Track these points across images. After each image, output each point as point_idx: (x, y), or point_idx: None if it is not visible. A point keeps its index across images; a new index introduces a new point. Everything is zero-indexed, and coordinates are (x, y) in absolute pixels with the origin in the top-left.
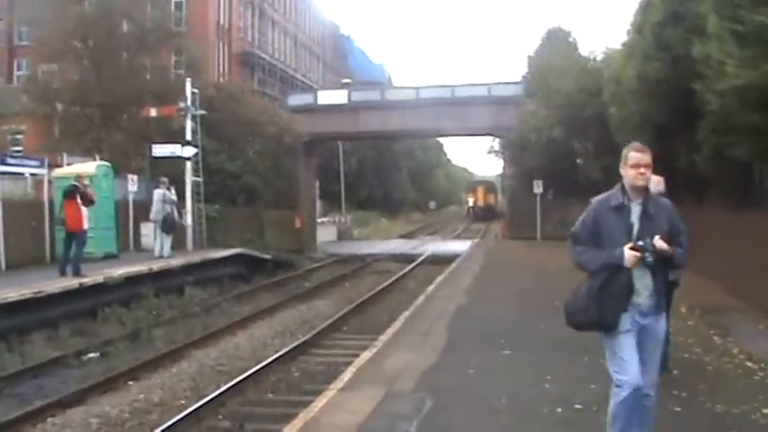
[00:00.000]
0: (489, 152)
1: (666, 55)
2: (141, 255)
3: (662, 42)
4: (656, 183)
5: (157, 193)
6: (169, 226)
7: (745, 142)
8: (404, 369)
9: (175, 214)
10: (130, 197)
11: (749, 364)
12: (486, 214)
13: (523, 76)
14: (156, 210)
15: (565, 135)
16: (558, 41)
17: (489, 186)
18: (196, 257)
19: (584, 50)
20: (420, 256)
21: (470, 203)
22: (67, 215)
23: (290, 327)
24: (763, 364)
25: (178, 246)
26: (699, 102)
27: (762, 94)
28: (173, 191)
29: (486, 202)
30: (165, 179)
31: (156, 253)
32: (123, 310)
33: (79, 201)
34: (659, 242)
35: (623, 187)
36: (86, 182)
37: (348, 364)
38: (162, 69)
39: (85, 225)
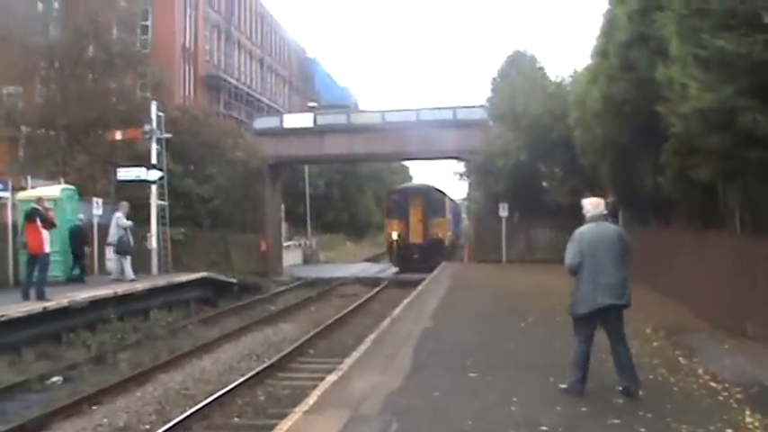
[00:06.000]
0: (455, 175)
1: (632, 76)
2: (105, 278)
3: (627, 63)
4: (596, 204)
5: (115, 217)
6: (123, 248)
7: (709, 164)
8: (370, 392)
9: (129, 237)
10: (95, 221)
11: (714, 384)
12: (425, 257)
13: (488, 99)
14: (111, 233)
15: (531, 158)
16: (521, 64)
17: (432, 202)
18: (161, 281)
19: (549, 73)
20: (386, 279)
21: (394, 237)
22: (29, 238)
23: (257, 350)
24: (727, 384)
25: (143, 269)
26: (662, 124)
27: (723, 116)
28: (121, 215)
29: (426, 232)
30: (125, 203)
31: (113, 275)
32: (88, 333)
33: (40, 224)
34: None
35: None
36: (48, 205)
37: (314, 387)
38: (127, 92)
39: (47, 248)
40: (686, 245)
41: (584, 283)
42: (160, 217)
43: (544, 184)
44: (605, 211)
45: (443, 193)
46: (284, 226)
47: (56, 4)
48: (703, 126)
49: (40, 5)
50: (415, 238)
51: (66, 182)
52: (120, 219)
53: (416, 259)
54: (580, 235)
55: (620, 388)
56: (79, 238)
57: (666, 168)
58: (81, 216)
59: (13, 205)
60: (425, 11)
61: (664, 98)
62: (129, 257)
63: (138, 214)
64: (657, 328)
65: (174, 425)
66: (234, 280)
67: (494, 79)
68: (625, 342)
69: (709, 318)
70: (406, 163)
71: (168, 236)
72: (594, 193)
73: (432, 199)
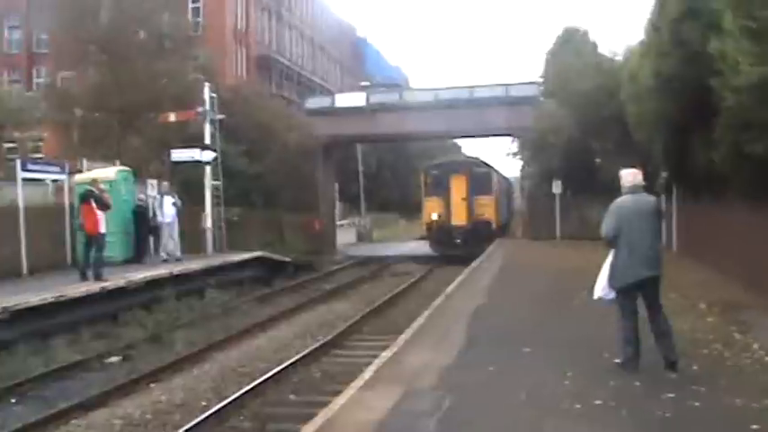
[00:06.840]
0: (508, 154)
1: (683, 51)
2: (160, 258)
3: (678, 38)
4: (634, 175)
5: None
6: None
7: (763, 138)
8: (423, 367)
9: (159, 219)
10: (150, 202)
11: None
12: (469, 242)
13: (541, 76)
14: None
15: (583, 135)
16: (575, 41)
17: (478, 177)
18: (216, 260)
19: (602, 49)
20: (438, 257)
21: (433, 218)
22: (85, 219)
23: (311, 328)
24: None
25: (199, 249)
26: (715, 98)
27: None
28: (159, 197)
29: (470, 213)
30: (165, 183)
31: (164, 255)
32: (144, 313)
33: (94, 205)
34: None
35: None
36: (103, 186)
37: (368, 364)
38: (179, 74)
39: (102, 229)
40: (740, 221)
41: (623, 254)
42: (215, 197)
43: (597, 160)
44: (643, 182)
45: (491, 167)
46: (338, 205)
47: None
48: (756, 99)
49: None
50: (458, 219)
51: (122, 164)
52: (156, 200)
53: (458, 244)
54: (618, 206)
55: (664, 361)
56: (142, 219)
57: (720, 143)
58: (142, 196)
59: (71, 188)
60: None
61: (716, 72)
62: (151, 238)
63: (193, 195)
64: (712, 304)
65: (230, 402)
66: (288, 259)
67: (546, 55)
68: (662, 312)
69: (764, 294)
70: (458, 142)
71: (222, 216)
72: (645, 168)
73: (477, 174)
